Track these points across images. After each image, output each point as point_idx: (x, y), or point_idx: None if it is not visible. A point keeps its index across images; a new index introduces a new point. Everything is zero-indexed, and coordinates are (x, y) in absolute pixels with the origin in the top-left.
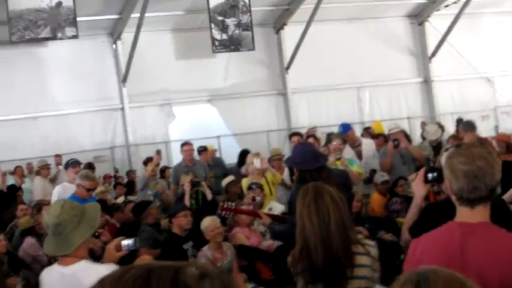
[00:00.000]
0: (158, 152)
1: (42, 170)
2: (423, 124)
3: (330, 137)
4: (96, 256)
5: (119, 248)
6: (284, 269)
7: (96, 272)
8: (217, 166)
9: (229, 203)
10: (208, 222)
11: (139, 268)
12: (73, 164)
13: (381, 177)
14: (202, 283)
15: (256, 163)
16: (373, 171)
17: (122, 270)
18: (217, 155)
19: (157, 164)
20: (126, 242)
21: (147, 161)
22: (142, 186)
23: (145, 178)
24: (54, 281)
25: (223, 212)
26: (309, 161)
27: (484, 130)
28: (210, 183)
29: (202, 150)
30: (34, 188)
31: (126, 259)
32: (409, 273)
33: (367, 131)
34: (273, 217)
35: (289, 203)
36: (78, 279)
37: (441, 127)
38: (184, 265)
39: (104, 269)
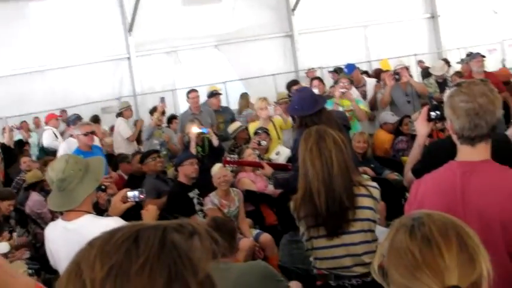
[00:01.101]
0: (162, 100)
1: (126, 111)
2: (420, 62)
3: (337, 76)
4: (101, 210)
5: (124, 199)
6: (288, 214)
7: (100, 226)
8: (225, 112)
9: (232, 156)
10: (216, 170)
11: (128, 229)
12: (74, 120)
13: (384, 116)
14: (191, 241)
15: (271, 110)
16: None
17: (112, 231)
18: (224, 100)
19: (163, 112)
20: (132, 194)
21: (153, 111)
22: (148, 136)
23: (150, 127)
24: (58, 236)
25: (227, 165)
26: (307, 105)
27: (491, 64)
28: (218, 130)
29: (215, 94)
30: (120, 129)
31: (133, 210)
32: (404, 218)
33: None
34: (276, 166)
35: (292, 150)
36: (82, 233)
37: (447, 63)
38: (173, 224)
39: (108, 222)
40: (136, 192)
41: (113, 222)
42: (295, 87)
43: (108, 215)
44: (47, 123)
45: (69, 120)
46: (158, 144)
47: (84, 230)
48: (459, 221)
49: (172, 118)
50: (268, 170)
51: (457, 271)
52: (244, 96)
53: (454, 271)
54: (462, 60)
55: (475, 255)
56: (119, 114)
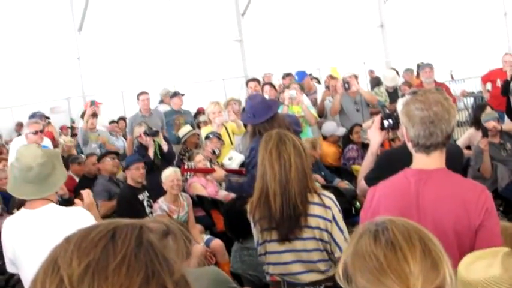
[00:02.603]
0: (92, 102)
1: (166, 98)
2: (371, 72)
3: (287, 82)
4: None
5: None
6: (237, 220)
7: (66, 212)
8: (186, 113)
9: (189, 164)
10: (170, 173)
11: (105, 226)
12: (39, 117)
13: (328, 128)
14: (166, 240)
15: (225, 115)
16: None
17: (88, 227)
18: None
19: (94, 115)
20: None
21: (83, 114)
22: (83, 141)
23: (83, 131)
24: (21, 228)
25: (185, 173)
26: (260, 113)
27: (439, 74)
28: (178, 130)
29: (178, 94)
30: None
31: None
32: (366, 224)
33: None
34: (229, 171)
35: (246, 158)
36: (49, 218)
37: (397, 73)
38: (148, 222)
39: (73, 209)
40: None
41: (78, 211)
42: (252, 84)
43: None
44: None
45: (35, 116)
46: (97, 148)
47: (51, 216)
48: (421, 227)
49: (120, 119)
50: (221, 172)
51: (421, 276)
52: None
53: (418, 276)
54: (408, 69)
55: (438, 260)
56: (161, 101)
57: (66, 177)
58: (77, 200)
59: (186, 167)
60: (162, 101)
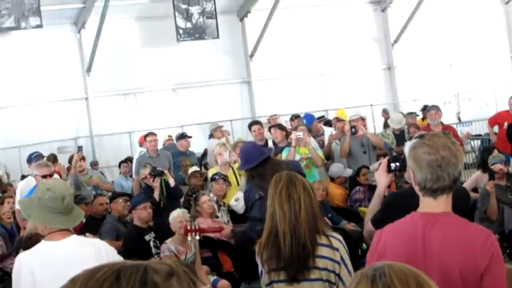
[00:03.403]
0: (80, 148)
1: (216, 132)
2: (384, 112)
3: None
4: None
5: None
6: (245, 261)
7: (91, 243)
8: (193, 155)
9: (193, 223)
10: (177, 214)
11: (110, 267)
12: (36, 157)
13: (335, 170)
14: (170, 281)
15: (226, 155)
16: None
17: (94, 269)
18: None
19: (82, 159)
20: None
21: (71, 160)
22: (76, 186)
23: (74, 177)
24: (47, 258)
25: (189, 233)
26: (252, 158)
27: (446, 116)
28: (185, 172)
29: (185, 136)
30: (210, 149)
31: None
32: (365, 269)
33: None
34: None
35: (246, 202)
36: (74, 249)
37: (404, 116)
38: (152, 264)
39: (94, 240)
40: None
41: (101, 243)
42: (255, 127)
43: None
44: None
45: (30, 158)
46: (92, 190)
47: (78, 247)
48: (419, 272)
49: (126, 160)
50: (227, 230)
51: None
52: None
53: None
54: (411, 113)
55: None
56: (210, 136)
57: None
58: (88, 235)
59: (189, 227)
60: (211, 135)
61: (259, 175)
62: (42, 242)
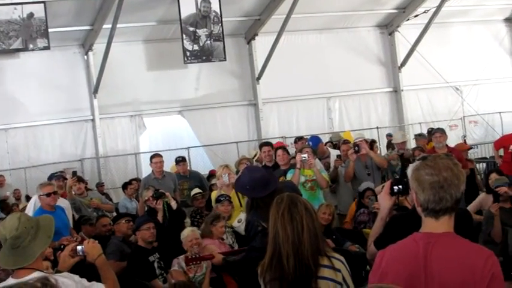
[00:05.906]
0: (74, 173)
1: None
2: (388, 136)
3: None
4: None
5: (73, 254)
6: (250, 283)
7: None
8: (193, 178)
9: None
10: (188, 233)
11: None
12: (57, 177)
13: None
14: None
15: (225, 178)
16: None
17: None
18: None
19: (81, 181)
20: (80, 247)
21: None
22: (75, 209)
23: (71, 201)
24: None
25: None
26: (258, 188)
27: (452, 139)
28: (182, 196)
29: (180, 160)
30: None
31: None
32: None
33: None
34: (226, 253)
35: (246, 227)
36: None
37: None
38: None
39: (58, 279)
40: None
41: (62, 279)
42: (266, 149)
43: (58, 270)
44: None
45: (51, 177)
46: (93, 211)
47: None
48: None
49: (131, 182)
50: (218, 257)
51: None
52: None
53: None
54: (420, 135)
55: None
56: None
57: (46, 246)
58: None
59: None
60: None
61: (265, 205)
62: (10, 278)
